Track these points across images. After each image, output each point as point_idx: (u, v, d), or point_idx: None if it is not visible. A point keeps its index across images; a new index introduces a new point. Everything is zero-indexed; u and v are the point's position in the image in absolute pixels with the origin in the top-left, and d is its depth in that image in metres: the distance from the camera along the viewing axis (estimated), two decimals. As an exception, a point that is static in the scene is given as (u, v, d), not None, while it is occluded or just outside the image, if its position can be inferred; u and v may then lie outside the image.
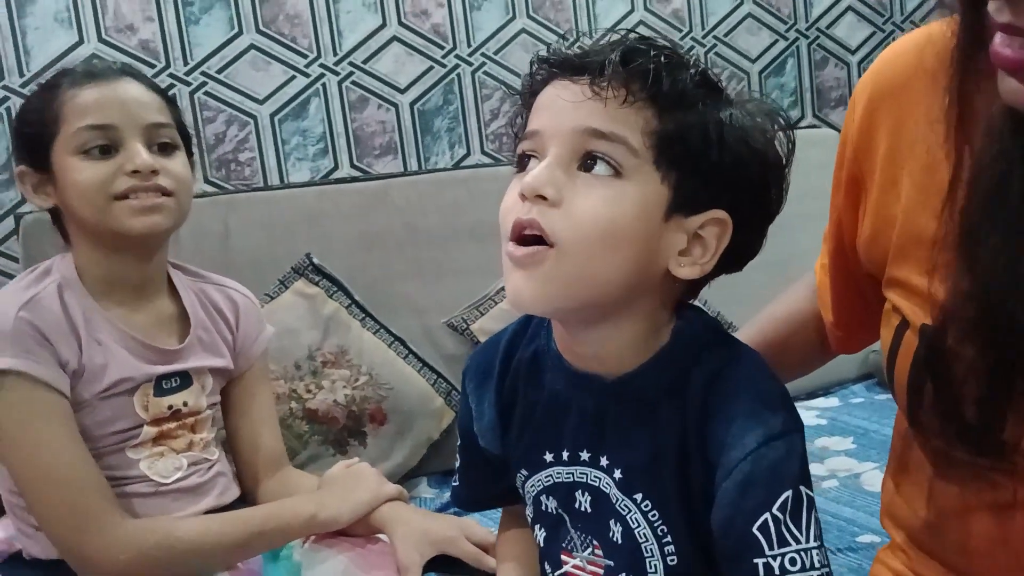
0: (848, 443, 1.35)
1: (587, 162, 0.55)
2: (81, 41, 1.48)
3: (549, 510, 0.66)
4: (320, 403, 1.31)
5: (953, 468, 0.58)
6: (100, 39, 1.49)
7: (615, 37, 0.59)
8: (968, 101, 0.53)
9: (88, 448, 0.84)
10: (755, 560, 0.55)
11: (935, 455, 0.60)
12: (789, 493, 0.56)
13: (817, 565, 0.56)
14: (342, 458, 1.31)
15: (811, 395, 1.59)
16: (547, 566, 0.68)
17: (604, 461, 0.62)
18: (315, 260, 1.40)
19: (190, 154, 0.95)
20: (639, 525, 0.61)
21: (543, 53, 0.60)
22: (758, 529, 0.55)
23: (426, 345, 1.45)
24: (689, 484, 0.59)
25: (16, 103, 1.44)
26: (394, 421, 1.35)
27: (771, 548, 0.55)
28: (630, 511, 0.61)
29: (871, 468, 1.25)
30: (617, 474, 0.61)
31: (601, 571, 0.63)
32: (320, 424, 1.31)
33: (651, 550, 0.61)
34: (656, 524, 0.60)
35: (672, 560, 0.61)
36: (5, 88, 1.44)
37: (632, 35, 0.58)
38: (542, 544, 0.67)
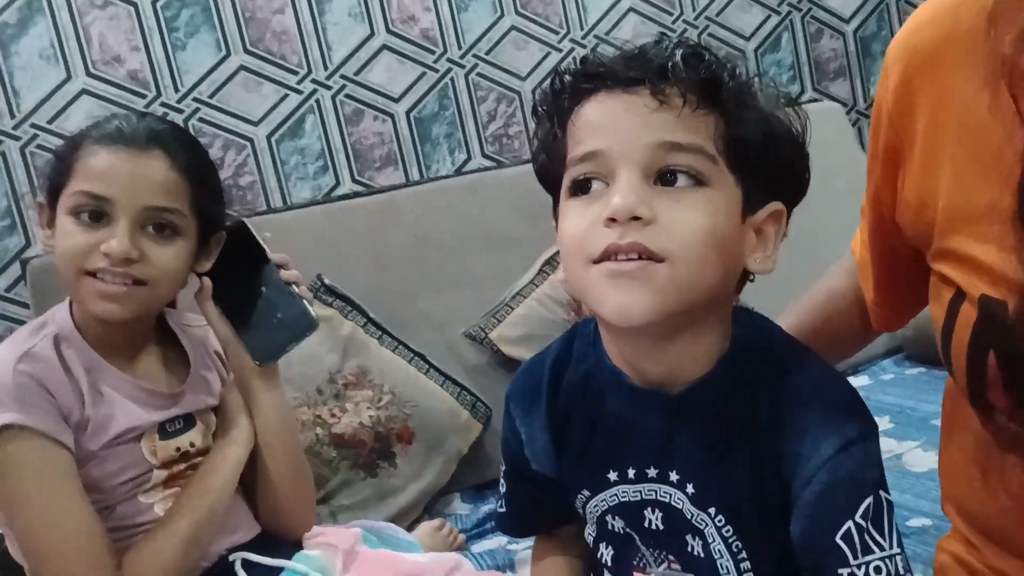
0: (885, 423, 1.33)
1: (666, 176, 0.54)
2: (69, 77, 1.45)
3: (616, 529, 0.64)
4: (346, 427, 1.29)
5: (1018, 444, 0.56)
6: (88, 73, 1.46)
7: (632, 44, 0.57)
8: (1017, 64, 0.51)
9: (99, 499, 0.82)
10: (840, 570, 0.54)
11: (1001, 434, 0.58)
12: (870, 500, 0.55)
13: (902, 571, 0.55)
14: (373, 482, 1.29)
15: (839, 375, 1.56)
16: None
17: (674, 476, 0.60)
18: (326, 280, 1.38)
19: (210, 234, 0.90)
20: (714, 540, 0.59)
21: (573, 65, 0.58)
22: (841, 538, 0.54)
23: (448, 358, 1.42)
24: (765, 498, 0.58)
25: (11, 146, 1.41)
26: (422, 439, 1.33)
27: (855, 557, 0.54)
28: (706, 525, 0.59)
29: (913, 447, 1.23)
30: (690, 489, 0.60)
31: None
32: (348, 448, 1.28)
33: (727, 567, 0.59)
34: (731, 540, 0.59)
35: None
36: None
37: (664, 38, 0.56)
38: (609, 563, 0.65)
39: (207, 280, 0.91)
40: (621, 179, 0.53)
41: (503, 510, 0.75)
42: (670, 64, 0.54)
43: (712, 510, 0.59)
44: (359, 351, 1.34)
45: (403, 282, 1.45)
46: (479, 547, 1.19)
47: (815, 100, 2.06)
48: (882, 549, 0.54)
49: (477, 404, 1.38)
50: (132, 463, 0.85)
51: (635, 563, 0.63)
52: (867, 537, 0.54)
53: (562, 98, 0.58)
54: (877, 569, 0.54)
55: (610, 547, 0.65)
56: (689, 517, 0.60)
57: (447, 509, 1.34)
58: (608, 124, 0.54)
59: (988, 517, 0.64)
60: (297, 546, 0.92)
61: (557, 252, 1.53)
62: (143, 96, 1.50)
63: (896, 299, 0.72)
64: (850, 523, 0.54)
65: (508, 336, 1.44)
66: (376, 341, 1.37)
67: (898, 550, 0.55)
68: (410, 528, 1.24)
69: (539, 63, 1.80)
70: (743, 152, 0.55)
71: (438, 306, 1.46)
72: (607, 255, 0.53)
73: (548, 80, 0.60)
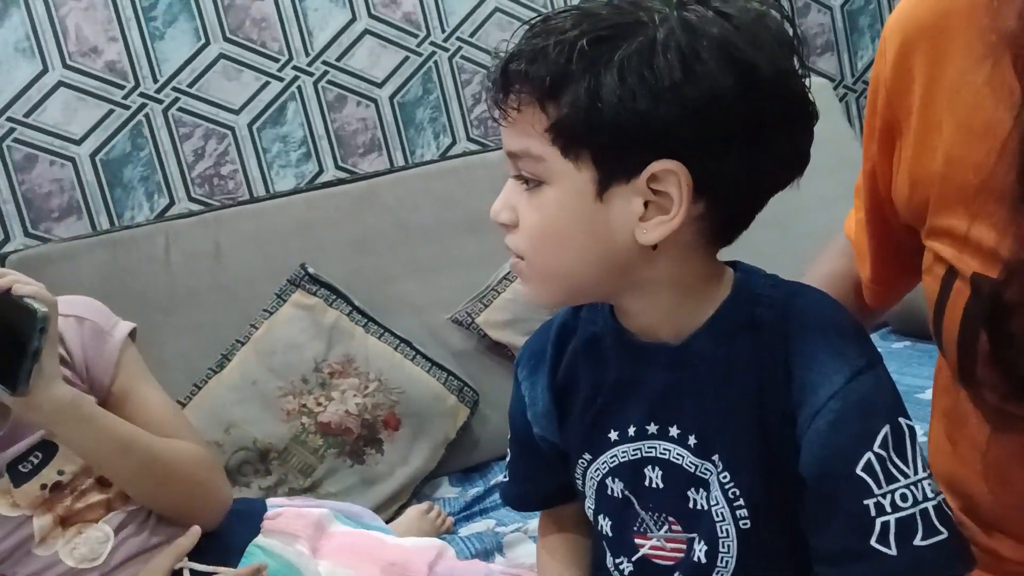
0: (871, 398, 1.32)
1: (526, 179, 0.57)
2: (46, 69, 1.44)
3: (615, 494, 0.63)
4: (332, 415, 1.29)
5: (1008, 423, 0.55)
6: (65, 65, 1.45)
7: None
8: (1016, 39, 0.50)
9: None
10: (865, 501, 0.53)
11: (988, 411, 0.57)
12: (887, 427, 0.53)
13: (930, 496, 0.54)
14: (360, 469, 1.29)
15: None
16: (618, 557, 0.65)
17: (674, 431, 0.60)
18: (310, 270, 1.38)
19: None
20: (714, 487, 0.59)
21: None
22: (863, 470, 0.53)
23: (433, 344, 1.42)
24: (766, 438, 0.57)
25: (-13, 140, 1.40)
26: (409, 425, 1.33)
27: (879, 487, 0.53)
28: (710, 474, 0.59)
29: (897, 422, 1.22)
30: (691, 440, 0.59)
31: (684, 546, 0.61)
32: (335, 436, 1.28)
33: (722, 514, 0.59)
34: (728, 487, 0.58)
35: (745, 524, 0.58)
36: (-26, 126, 1.40)
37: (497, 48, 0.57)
38: (610, 534, 0.65)
39: None
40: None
41: (506, 480, 0.75)
42: (496, 79, 0.55)
43: (716, 457, 0.58)
44: (344, 339, 1.34)
45: (386, 268, 1.45)
46: (467, 530, 1.20)
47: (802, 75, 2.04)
48: (906, 476, 0.53)
49: (464, 389, 1.38)
50: None
51: (635, 529, 0.63)
52: (890, 466, 0.53)
53: None
54: (904, 497, 0.53)
55: (608, 517, 0.64)
56: (692, 470, 0.59)
57: (435, 493, 1.35)
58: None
59: (972, 492, 0.64)
60: (252, 530, 0.86)
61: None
62: (121, 87, 1.48)
63: (891, 275, 0.72)
64: (870, 454, 0.53)
65: (495, 320, 1.44)
66: (361, 329, 1.36)
67: (924, 474, 0.54)
68: (398, 512, 1.25)
69: (523, 44, 1.79)
70: (577, 132, 0.52)
71: (422, 292, 1.45)
72: None
73: None
